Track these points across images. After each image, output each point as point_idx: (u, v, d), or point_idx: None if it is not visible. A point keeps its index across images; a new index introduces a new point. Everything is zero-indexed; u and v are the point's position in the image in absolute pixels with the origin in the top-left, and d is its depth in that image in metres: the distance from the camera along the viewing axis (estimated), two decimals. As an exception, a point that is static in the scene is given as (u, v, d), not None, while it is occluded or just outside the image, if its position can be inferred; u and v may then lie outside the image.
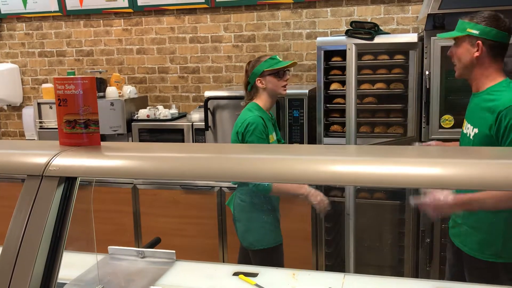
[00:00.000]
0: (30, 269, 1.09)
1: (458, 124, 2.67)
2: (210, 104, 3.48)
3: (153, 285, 1.70)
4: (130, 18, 4.31)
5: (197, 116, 3.71)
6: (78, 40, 4.49)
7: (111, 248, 1.95)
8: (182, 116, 4.07)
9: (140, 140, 3.85)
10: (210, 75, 4.23)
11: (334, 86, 3.31)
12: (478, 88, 2.05)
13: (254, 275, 1.77)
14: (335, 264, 3.38)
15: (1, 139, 4.79)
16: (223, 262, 3.45)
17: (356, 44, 2.63)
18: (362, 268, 2.93)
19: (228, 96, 3.47)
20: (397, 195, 3.24)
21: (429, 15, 2.92)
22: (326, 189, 3.28)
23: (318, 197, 2.52)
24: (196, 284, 1.72)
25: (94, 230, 1.58)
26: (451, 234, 2.22)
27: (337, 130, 3.33)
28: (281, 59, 2.65)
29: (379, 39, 3.16)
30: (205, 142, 3.59)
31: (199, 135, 3.67)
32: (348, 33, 3.24)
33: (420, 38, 3.09)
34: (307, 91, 3.35)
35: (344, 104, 2.74)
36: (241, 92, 2.80)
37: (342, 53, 3.11)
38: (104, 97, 3.97)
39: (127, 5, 4.23)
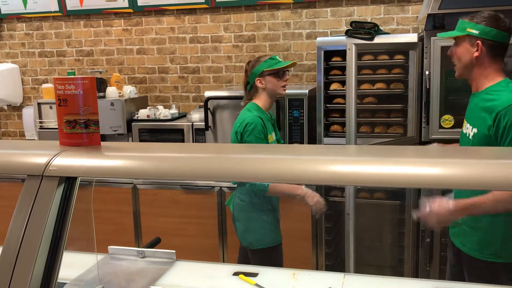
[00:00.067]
0: (30, 269, 1.09)
1: (458, 124, 2.67)
2: (210, 104, 3.48)
3: (153, 285, 1.70)
4: (130, 18, 4.31)
5: (197, 116, 3.71)
6: (78, 40, 4.49)
7: (111, 248, 1.95)
8: (182, 116, 4.07)
9: (140, 140, 3.85)
10: (210, 75, 4.23)
11: (334, 86, 3.31)
12: (478, 88, 2.06)
13: (254, 275, 1.77)
14: (335, 264, 3.38)
15: (1, 139, 4.79)
16: (223, 262, 3.46)
17: (356, 44, 2.64)
18: (362, 268, 2.93)
19: (228, 96, 3.47)
20: (397, 195, 3.24)
21: (429, 15, 2.92)
22: (326, 189, 3.29)
23: (314, 198, 2.54)
24: (196, 284, 1.72)
25: (94, 230, 1.58)
26: (451, 234, 2.22)
27: (337, 130, 3.33)
28: (281, 59, 2.65)
29: (379, 39, 3.16)
30: (205, 142, 3.59)
31: (199, 135, 3.67)
32: (348, 33, 3.24)
33: (420, 38, 3.09)
34: (307, 91, 3.35)
35: (344, 104, 2.74)
36: (241, 92, 2.80)
37: (342, 53, 3.12)
38: (104, 97, 3.97)
39: (127, 5, 4.23)
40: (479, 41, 1.98)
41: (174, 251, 1.90)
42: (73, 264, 1.76)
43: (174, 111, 4.02)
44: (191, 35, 4.20)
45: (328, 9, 3.86)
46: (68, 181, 1.18)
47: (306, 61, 3.97)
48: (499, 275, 2.01)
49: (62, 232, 1.15)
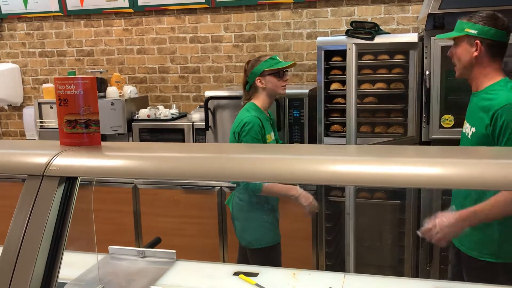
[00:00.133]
0: (30, 269, 1.10)
1: (459, 124, 2.67)
2: (211, 104, 3.48)
3: (154, 285, 1.70)
4: (131, 18, 4.31)
5: (197, 116, 3.71)
6: (78, 40, 4.49)
7: (111, 248, 1.95)
8: (182, 116, 4.07)
9: (141, 140, 3.85)
10: (210, 75, 4.23)
11: (334, 86, 3.31)
12: (477, 88, 2.06)
13: (254, 275, 1.77)
14: (336, 264, 3.38)
15: (2, 139, 4.79)
16: (224, 262, 3.46)
17: (356, 44, 2.64)
18: (363, 268, 2.93)
19: (229, 96, 3.47)
20: (397, 194, 3.24)
21: (429, 15, 2.92)
22: (326, 189, 3.29)
23: (308, 200, 2.55)
24: (196, 284, 1.72)
25: (94, 229, 1.58)
26: (452, 234, 2.22)
27: (338, 130, 3.33)
28: (281, 59, 2.66)
29: (379, 39, 3.16)
30: (205, 142, 3.59)
31: (199, 135, 3.67)
32: (348, 33, 3.24)
33: (420, 38, 3.09)
34: (307, 91, 3.35)
35: (345, 104, 2.74)
36: (241, 92, 2.80)
37: (342, 53, 3.11)
38: (104, 97, 3.97)
39: (127, 5, 4.23)
40: (477, 41, 1.98)
41: (174, 251, 1.90)
42: (74, 264, 1.76)
43: (174, 111, 4.02)
44: (191, 35, 4.20)
45: (329, 9, 3.86)
46: (68, 181, 1.18)
47: (307, 61, 3.97)
48: (497, 275, 2.01)
49: (62, 232, 1.15)
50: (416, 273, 3.18)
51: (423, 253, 3.12)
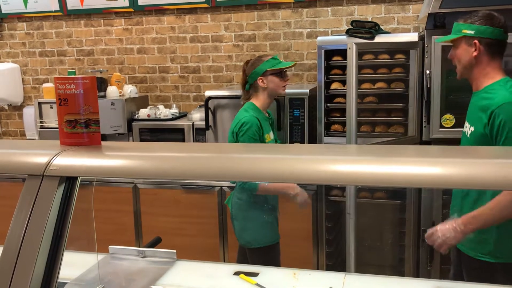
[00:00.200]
0: (31, 268, 1.09)
1: (459, 124, 2.67)
2: (211, 104, 3.48)
3: (154, 284, 1.70)
4: (131, 17, 4.31)
5: (197, 116, 3.71)
6: (78, 39, 4.49)
7: (111, 247, 1.95)
8: (182, 115, 4.07)
9: (141, 140, 3.85)
10: (210, 75, 4.23)
11: (334, 85, 3.31)
12: (478, 87, 2.07)
13: (254, 274, 1.76)
14: (336, 263, 3.38)
15: (2, 139, 4.79)
16: (224, 261, 3.46)
17: (356, 44, 2.63)
18: (363, 267, 2.93)
19: (229, 96, 3.47)
20: (398, 194, 3.24)
21: (429, 14, 2.92)
22: (327, 189, 3.29)
23: (304, 197, 2.63)
24: (196, 283, 1.72)
25: (94, 229, 1.58)
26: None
27: (338, 129, 3.33)
28: (281, 60, 2.67)
29: (379, 39, 3.16)
30: (205, 141, 3.59)
31: (199, 134, 3.66)
32: (348, 33, 3.24)
33: (421, 38, 3.09)
34: (307, 90, 3.34)
35: (345, 103, 2.74)
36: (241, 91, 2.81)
37: (342, 53, 3.11)
38: (104, 96, 3.97)
39: (127, 5, 4.23)
40: (476, 41, 2.00)
41: (174, 251, 1.90)
42: (74, 264, 1.76)
43: (174, 110, 4.02)
44: (191, 34, 4.20)
45: (329, 9, 3.86)
46: (68, 180, 1.18)
47: (307, 61, 3.97)
48: (495, 275, 2.01)
49: (62, 231, 1.15)
50: (417, 273, 3.18)
51: (423, 253, 3.11)
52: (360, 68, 3.11)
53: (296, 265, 1.89)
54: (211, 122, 3.50)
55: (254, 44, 4.06)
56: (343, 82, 3.14)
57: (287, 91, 2.73)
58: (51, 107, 4.06)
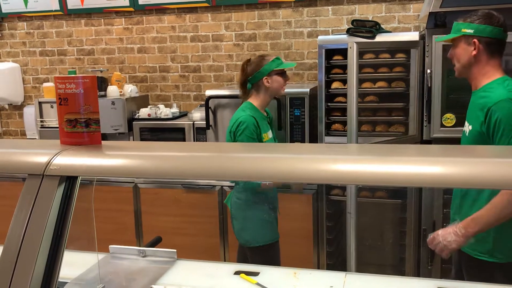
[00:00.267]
0: (31, 268, 1.09)
1: (460, 123, 2.67)
2: (211, 103, 3.48)
3: (154, 284, 1.69)
4: (131, 17, 4.31)
5: (198, 115, 3.71)
6: (79, 39, 4.48)
7: (112, 247, 1.94)
8: (183, 115, 4.07)
9: (141, 139, 3.85)
10: (211, 74, 4.23)
11: (335, 84, 3.30)
12: (476, 86, 2.08)
13: (255, 274, 1.76)
14: (337, 263, 3.38)
15: (2, 138, 4.79)
16: (224, 261, 3.45)
17: (357, 43, 2.63)
18: (364, 267, 2.92)
19: (229, 95, 3.47)
20: (399, 193, 3.24)
21: (430, 13, 2.91)
22: (328, 188, 3.29)
23: None
24: (197, 283, 1.72)
25: (95, 229, 1.58)
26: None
27: (339, 129, 3.33)
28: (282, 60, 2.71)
29: (380, 38, 3.15)
30: (206, 141, 3.58)
31: (200, 134, 3.66)
32: (349, 32, 3.23)
33: (422, 37, 3.09)
34: (308, 89, 3.34)
35: (346, 102, 2.74)
36: (242, 91, 2.81)
37: (343, 52, 3.10)
38: (105, 96, 3.97)
39: (128, 4, 4.23)
40: (475, 40, 2.01)
41: (175, 250, 1.89)
42: (74, 263, 1.76)
43: (175, 110, 4.02)
44: (192, 33, 4.20)
45: (329, 8, 3.85)
46: (68, 180, 1.18)
47: (307, 60, 3.96)
48: (493, 274, 2.01)
49: (63, 231, 1.15)
50: (418, 272, 3.18)
51: (424, 252, 3.11)
52: (360, 67, 3.10)
53: (296, 264, 1.89)
54: (211, 122, 3.50)
55: (255, 44, 4.05)
56: (344, 81, 3.14)
57: (287, 90, 2.76)
58: (52, 107, 4.06)
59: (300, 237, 3.29)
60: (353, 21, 3.28)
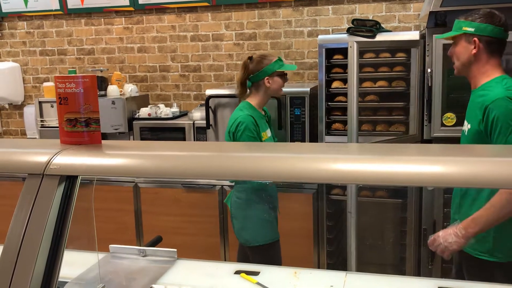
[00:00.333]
0: (31, 268, 1.09)
1: (460, 122, 2.66)
2: (211, 103, 3.47)
3: (155, 283, 1.69)
4: (131, 16, 4.30)
5: (198, 115, 3.71)
6: (79, 38, 4.48)
7: (112, 246, 1.94)
8: (183, 114, 4.07)
9: (142, 139, 3.85)
10: (211, 74, 4.22)
11: (335, 84, 3.30)
12: (476, 85, 2.08)
13: (255, 273, 1.76)
14: (337, 262, 3.38)
15: (3, 138, 4.79)
16: (225, 260, 3.45)
17: (357, 42, 2.62)
18: (364, 266, 2.92)
19: (229, 95, 3.46)
20: (399, 193, 3.23)
21: (431, 12, 2.91)
22: (328, 187, 3.29)
23: None
24: (197, 282, 1.72)
25: (95, 228, 1.57)
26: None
27: (339, 128, 3.32)
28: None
29: (380, 37, 3.15)
30: (206, 140, 3.58)
31: (200, 133, 3.66)
32: (349, 31, 3.23)
33: (422, 36, 3.09)
34: (308, 89, 3.34)
35: (346, 102, 2.74)
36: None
37: (343, 51, 3.10)
38: (105, 95, 3.96)
39: (128, 4, 4.22)
40: (475, 38, 2.01)
41: (175, 250, 1.89)
42: (74, 263, 1.76)
43: (175, 109, 4.02)
44: (192, 33, 4.20)
45: (330, 7, 3.85)
46: (69, 179, 1.18)
47: (308, 59, 3.96)
48: (495, 273, 2.01)
49: (63, 231, 1.15)
50: (418, 272, 3.18)
51: (425, 252, 3.11)
52: (361, 66, 3.10)
53: (297, 264, 1.88)
54: (211, 121, 3.50)
55: (255, 43, 4.05)
56: (344, 81, 3.14)
57: (288, 89, 2.77)
58: (52, 106, 4.06)
59: (301, 237, 3.29)
60: (353, 21, 3.28)
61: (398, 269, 3.28)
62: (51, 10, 4.41)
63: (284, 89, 2.79)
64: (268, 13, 3.98)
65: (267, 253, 2.67)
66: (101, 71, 4.15)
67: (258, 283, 1.69)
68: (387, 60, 3.22)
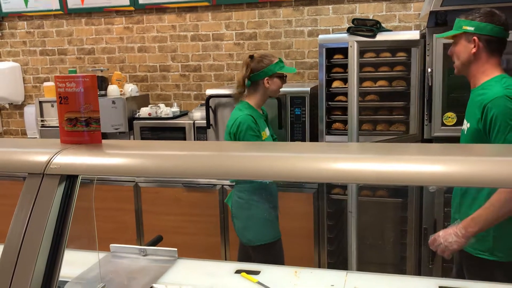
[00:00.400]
0: (31, 267, 1.09)
1: (461, 122, 2.66)
2: (212, 102, 3.47)
3: (155, 283, 1.69)
4: (132, 16, 4.30)
5: (198, 114, 3.71)
6: (79, 38, 4.48)
7: (113, 246, 1.95)
8: (183, 114, 4.07)
9: (142, 138, 3.85)
10: (211, 73, 4.22)
11: (336, 83, 3.30)
12: (475, 84, 2.08)
13: (256, 273, 1.76)
14: (338, 262, 3.38)
15: (3, 138, 4.79)
16: (225, 260, 3.46)
17: (358, 42, 2.62)
18: (365, 265, 2.92)
19: (230, 94, 3.45)
20: (400, 192, 3.23)
21: (431, 12, 2.91)
22: (329, 187, 3.29)
23: None
24: (198, 282, 1.72)
25: (95, 228, 1.58)
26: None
27: (339, 128, 3.32)
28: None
29: (381, 37, 3.15)
30: (206, 140, 3.58)
31: (200, 133, 3.66)
32: (350, 31, 3.23)
33: (422, 36, 3.08)
34: (309, 89, 3.34)
35: (346, 101, 2.74)
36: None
37: (344, 51, 3.09)
38: (105, 95, 3.96)
39: (128, 3, 4.22)
40: (475, 37, 2.01)
41: (176, 249, 1.89)
42: (75, 263, 1.76)
43: (175, 109, 4.02)
44: (192, 33, 4.20)
45: (330, 7, 3.85)
46: (69, 179, 1.18)
47: (308, 59, 3.96)
48: (495, 272, 2.01)
49: (63, 230, 1.15)
50: (419, 271, 3.18)
51: (425, 251, 3.11)
52: (361, 66, 3.10)
53: (297, 263, 1.89)
54: (212, 121, 3.50)
55: (255, 43, 4.05)
56: (345, 80, 3.14)
57: (288, 89, 2.78)
58: (52, 106, 4.06)
59: (301, 236, 3.29)
60: (353, 20, 3.28)
61: (399, 269, 3.28)
62: (51, 10, 4.41)
63: (284, 89, 2.80)
64: (269, 13, 3.98)
65: (270, 251, 2.68)
66: (102, 70, 4.15)
67: (258, 283, 1.69)
68: (387, 60, 3.21)
